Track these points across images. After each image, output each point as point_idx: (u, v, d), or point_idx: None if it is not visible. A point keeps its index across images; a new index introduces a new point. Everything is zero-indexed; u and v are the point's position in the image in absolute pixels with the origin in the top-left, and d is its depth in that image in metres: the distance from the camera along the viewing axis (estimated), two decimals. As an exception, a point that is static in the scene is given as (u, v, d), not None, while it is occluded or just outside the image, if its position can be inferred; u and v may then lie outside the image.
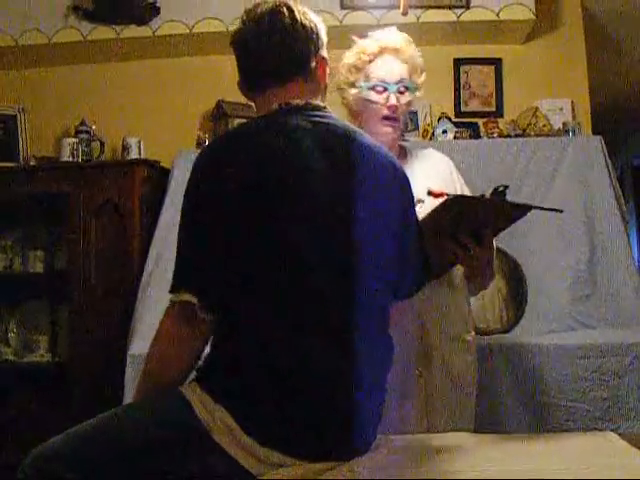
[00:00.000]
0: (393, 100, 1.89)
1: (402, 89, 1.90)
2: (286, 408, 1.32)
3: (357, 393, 1.37)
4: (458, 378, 1.92)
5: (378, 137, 1.89)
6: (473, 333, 2.01)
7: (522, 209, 1.79)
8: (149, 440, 1.30)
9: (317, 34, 1.55)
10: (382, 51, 1.92)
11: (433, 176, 1.96)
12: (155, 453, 1.29)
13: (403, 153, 2.03)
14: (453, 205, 1.68)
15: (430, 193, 1.75)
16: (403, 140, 2.08)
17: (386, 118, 1.90)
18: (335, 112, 1.58)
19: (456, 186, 2.00)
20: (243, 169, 1.38)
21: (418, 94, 1.96)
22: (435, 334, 1.89)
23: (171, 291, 1.38)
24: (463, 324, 1.97)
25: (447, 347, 1.91)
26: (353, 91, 1.94)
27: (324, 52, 1.58)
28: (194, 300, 1.35)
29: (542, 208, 1.87)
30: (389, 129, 1.91)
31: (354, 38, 1.99)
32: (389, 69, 1.91)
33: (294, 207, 1.38)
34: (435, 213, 1.68)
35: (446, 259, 1.82)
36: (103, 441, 1.31)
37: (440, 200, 1.69)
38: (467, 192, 2.01)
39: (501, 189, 1.72)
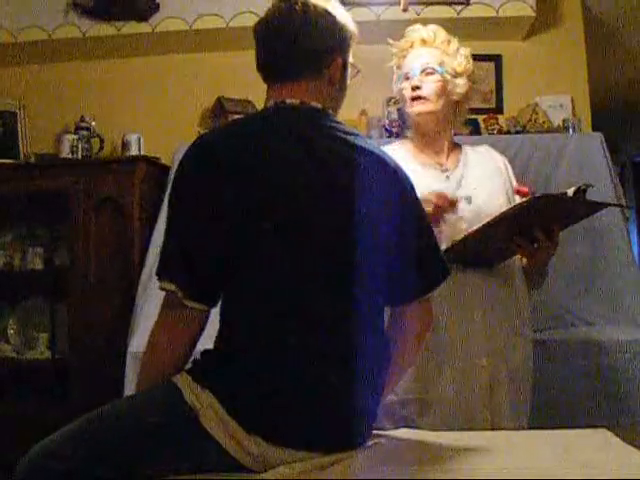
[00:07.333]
0: (415, 81, 1.98)
1: (429, 71, 1.98)
2: (270, 393, 1.32)
3: (347, 385, 1.37)
4: (516, 373, 1.96)
5: (413, 120, 2.03)
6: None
7: (597, 207, 1.85)
8: (139, 426, 1.31)
9: (336, 33, 1.50)
10: (412, 45, 2.04)
11: (490, 173, 2.03)
12: (145, 438, 1.30)
13: (458, 149, 2.09)
14: (539, 203, 1.73)
15: (518, 192, 1.84)
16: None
17: (412, 99, 1.99)
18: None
19: (512, 183, 2.06)
20: (225, 165, 1.38)
21: (460, 81, 2.02)
22: (500, 329, 1.93)
23: (157, 276, 1.38)
24: (523, 321, 2.00)
25: (510, 342, 1.95)
26: (398, 86, 2.06)
27: (343, 53, 1.52)
28: (176, 289, 1.35)
29: (615, 205, 2.14)
30: (417, 108, 1.99)
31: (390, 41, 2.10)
32: (415, 58, 2.02)
33: (275, 206, 1.37)
34: (519, 209, 1.73)
35: (509, 251, 1.89)
36: (98, 434, 1.32)
37: (520, 198, 1.77)
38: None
39: (583, 187, 1.74)
